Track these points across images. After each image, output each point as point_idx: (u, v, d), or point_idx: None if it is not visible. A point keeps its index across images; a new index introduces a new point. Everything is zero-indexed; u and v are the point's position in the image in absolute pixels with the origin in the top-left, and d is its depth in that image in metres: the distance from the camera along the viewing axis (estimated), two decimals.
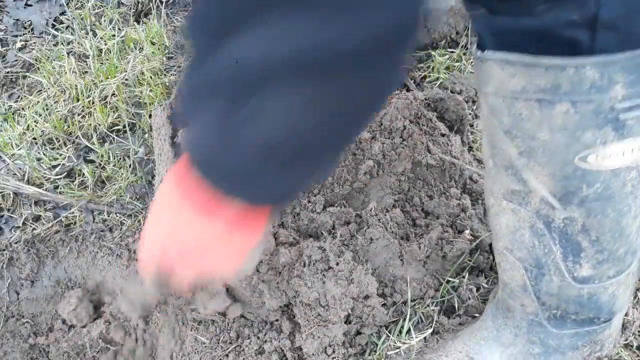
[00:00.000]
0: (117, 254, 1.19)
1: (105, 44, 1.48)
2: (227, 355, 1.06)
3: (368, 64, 0.41)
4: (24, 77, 1.50)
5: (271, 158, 0.47)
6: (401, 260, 1.04)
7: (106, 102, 1.37)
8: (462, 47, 1.46)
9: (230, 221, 0.54)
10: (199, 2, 0.45)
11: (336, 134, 0.48)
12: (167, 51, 1.47)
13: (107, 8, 1.59)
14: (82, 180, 1.29)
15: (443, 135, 1.21)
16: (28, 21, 1.64)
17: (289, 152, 0.47)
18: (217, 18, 0.41)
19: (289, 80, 0.40)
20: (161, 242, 0.58)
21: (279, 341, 1.03)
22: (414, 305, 1.05)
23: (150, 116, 1.27)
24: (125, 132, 1.33)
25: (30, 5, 1.67)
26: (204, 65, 0.44)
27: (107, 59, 1.45)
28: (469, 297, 1.05)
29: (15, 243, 1.19)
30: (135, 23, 1.56)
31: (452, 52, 1.47)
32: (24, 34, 1.62)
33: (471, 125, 1.35)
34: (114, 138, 1.33)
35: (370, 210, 1.08)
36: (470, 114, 1.32)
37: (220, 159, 0.49)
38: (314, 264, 0.99)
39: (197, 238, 0.56)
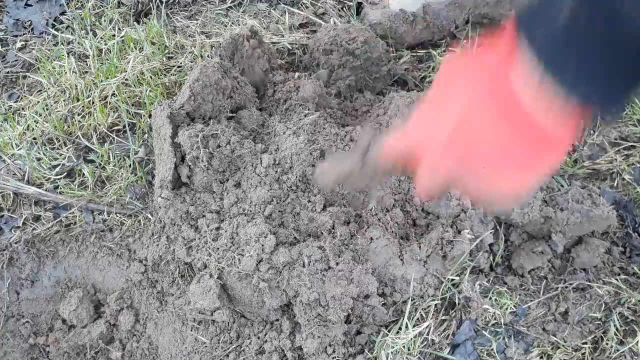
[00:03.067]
0: (117, 254, 1.19)
1: (105, 44, 1.48)
2: (227, 355, 1.06)
3: None
4: (24, 77, 1.50)
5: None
6: (401, 259, 1.03)
7: (106, 102, 1.37)
8: (462, 47, 1.46)
9: (545, 118, 0.46)
10: None
11: None
12: (167, 51, 1.46)
13: (107, 8, 1.59)
14: (82, 180, 1.29)
15: None
16: (28, 21, 1.64)
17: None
18: None
19: None
20: (452, 130, 0.48)
21: (279, 341, 1.03)
22: (414, 303, 1.05)
23: (150, 116, 1.27)
24: (125, 132, 1.33)
25: (30, 5, 1.67)
26: None
27: (107, 59, 1.44)
28: (470, 294, 1.05)
29: (15, 243, 1.19)
30: (135, 23, 1.56)
31: (453, 51, 1.47)
32: (24, 34, 1.62)
33: None
34: (114, 138, 1.33)
35: (371, 210, 1.08)
36: None
37: (561, 48, 0.43)
38: (313, 263, 0.99)
39: (505, 131, 0.47)
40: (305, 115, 1.18)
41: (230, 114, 1.19)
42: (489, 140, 0.49)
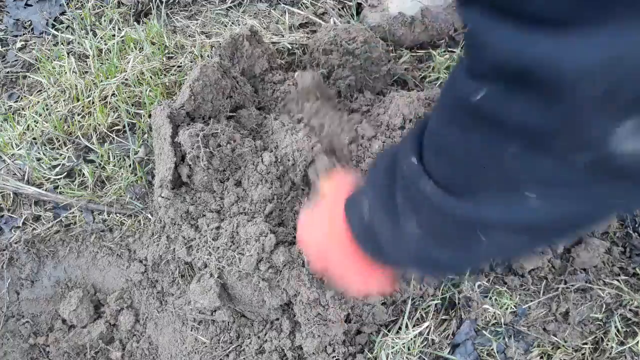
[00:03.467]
0: (117, 254, 1.19)
1: (105, 44, 1.48)
2: (227, 355, 1.06)
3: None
4: (24, 77, 1.50)
5: (434, 266, 0.59)
6: None
7: (106, 102, 1.37)
8: (462, 47, 1.46)
9: (367, 269, 0.67)
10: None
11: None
12: (167, 51, 1.46)
13: (107, 8, 1.59)
14: (82, 180, 1.29)
15: None
16: (28, 21, 1.64)
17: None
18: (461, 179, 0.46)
19: (506, 234, 0.45)
20: (318, 244, 0.73)
21: (279, 340, 1.03)
22: (414, 303, 1.05)
23: (150, 116, 1.27)
24: (125, 132, 1.33)
25: (30, 5, 1.67)
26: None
27: (107, 59, 1.44)
28: (470, 293, 1.05)
29: (15, 243, 1.19)
30: (135, 23, 1.56)
31: (452, 51, 1.47)
32: (24, 34, 1.62)
33: None
34: (114, 138, 1.33)
35: None
36: None
37: (382, 249, 0.59)
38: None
39: (342, 268, 0.70)
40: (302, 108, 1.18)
41: (230, 113, 1.19)
42: (336, 264, 0.71)
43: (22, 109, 1.42)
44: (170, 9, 1.61)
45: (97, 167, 1.30)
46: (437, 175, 0.46)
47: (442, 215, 0.46)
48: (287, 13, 1.56)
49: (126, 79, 1.38)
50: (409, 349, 1.01)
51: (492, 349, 1.03)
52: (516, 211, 0.41)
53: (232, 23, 1.56)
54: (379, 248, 0.59)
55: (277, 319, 1.06)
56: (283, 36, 1.49)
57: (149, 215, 1.22)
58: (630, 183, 0.36)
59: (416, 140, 0.48)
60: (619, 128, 0.32)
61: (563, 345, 1.03)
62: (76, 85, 1.38)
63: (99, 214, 1.24)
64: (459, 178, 0.44)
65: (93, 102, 1.36)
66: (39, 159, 1.30)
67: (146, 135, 1.32)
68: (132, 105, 1.36)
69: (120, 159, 1.30)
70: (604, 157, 0.33)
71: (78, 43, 1.52)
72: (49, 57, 1.51)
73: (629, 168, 0.34)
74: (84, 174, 1.28)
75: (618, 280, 1.11)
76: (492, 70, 0.35)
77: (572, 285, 1.10)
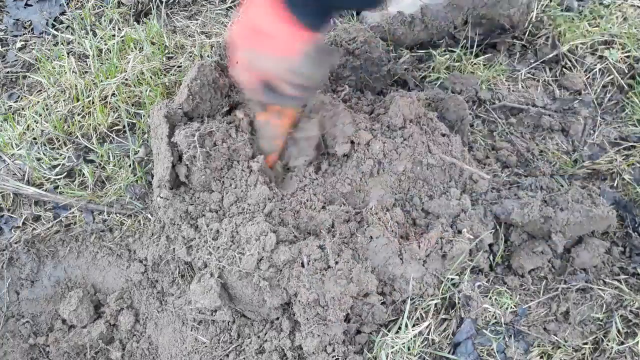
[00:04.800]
0: (117, 254, 1.19)
1: (105, 44, 1.48)
2: (227, 355, 1.06)
3: None
4: (24, 77, 1.50)
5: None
6: (401, 259, 1.03)
7: (106, 102, 1.37)
8: (462, 47, 1.46)
9: (289, 30, 0.86)
10: None
11: None
12: (167, 51, 1.47)
13: (107, 8, 1.59)
14: (82, 180, 1.29)
15: (443, 135, 1.20)
16: (28, 21, 1.64)
17: None
18: None
19: None
20: (247, 25, 0.91)
21: (279, 340, 1.03)
22: (414, 302, 1.05)
23: (150, 116, 1.27)
24: (125, 132, 1.33)
25: (30, 5, 1.67)
26: None
27: (107, 59, 1.44)
28: (470, 293, 1.05)
29: (15, 243, 1.19)
30: (135, 23, 1.56)
31: (453, 51, 1.47)
32: (24, 34, 1.62)
33: (471, 125, 1.35)
34: (113, 138, 1.33)
35: (371, 209, 1.08)
36: (470, 114, 1.32)
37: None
38: (313, 263, 0.99)
39: (262, 19, 0.88)
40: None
41: (228, 109, 1.19)
42: (258, 39, 0.90)
43: (22, 109, 1.42)
44: (170, 9, 1.61)
45: (97, 167, 1.30)
46: None
47: None
48: None
49: (126, 79, 1.38)
50: (409, 349, 1.01)
51: (492, 349, 1.03)
52: None
53: (232, 23, 1.56)
54: None
55: (277, 319, 1.06)
56: None
57: (149, 215, 1.22)
58: None
59: None
60: None
61: (563, 345, 1.03)
62: (76, 85, 1.38)
63: (99, 214, 1.24)
64: None
65: (93, 102, 1.36)
66: (39, 159, 1.30)
67: (146, 135, 1.32)
68: (132, 105, 1.36)
69: (120, 159, 1.30)
70: None
71: (78, 43, 1.52)
72: (48, 57, 1.51)
73: None
74: (84, 174, 1.28)
75: (618, 280, 1.11)
76: None
77: (572, 285, 1.10)
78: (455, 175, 1.17)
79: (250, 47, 0.93)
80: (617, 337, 1.03)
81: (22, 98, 1.45)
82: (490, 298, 1.08)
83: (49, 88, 1.42)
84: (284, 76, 0.94)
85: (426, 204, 1.13)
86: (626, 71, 1.42)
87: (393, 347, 1.00)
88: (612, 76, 1.42)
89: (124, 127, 1.33)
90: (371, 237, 1.04)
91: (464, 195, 1.14)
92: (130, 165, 1.28)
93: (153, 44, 1.46)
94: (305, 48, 0.89)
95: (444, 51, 1.48)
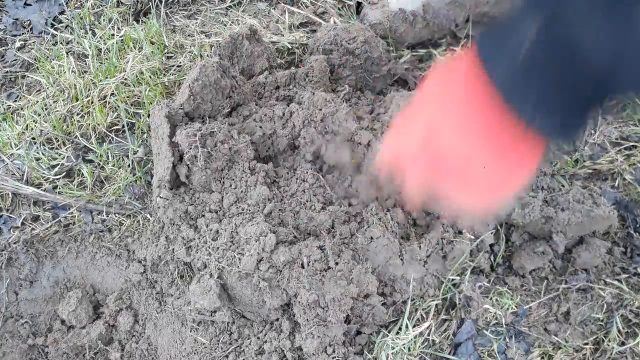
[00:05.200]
0: (116, 254, 1.19)
1: (105, 44, 1.48)
2: (226, 356, 1.05)
3: None
4: (23, 76, 1.50)
5: (574, 91, 0.42)
6: (401, 259, 1.03)
7: (105, 102, 1.36)
8: (462, 46, 1.46)
9: (508, 141, 0.47)
10: None
11: None
12: (166, 51, 1.46)
13: (106, 7, 1.59)
14: (81, 180, 1.28)
15: None
16: (27, 20, 1.63)
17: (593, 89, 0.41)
18: None
19: None
20: (422, 142, 0.50)
21: (279, 341, 1.03)
22: (414, 303, 1.04)
23: (149, 116, 1.26)
24: (124, 131, 1.33)
25: (30, 5, 1.66)
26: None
27: (106, 59, 1.44)
28: (471, 293, 1.05)
29: (14, 243, 1.18)
30: (134, 22, 1.56)
31: (454, 50, 1.46)
32: (23, 34, 1.61)
33: None
34: (113, 138, 1.33)
35: (371, 209, 1.08)
36: None
37: (520, 81, 0.44)
38: (312, 264, 0.99)
39: (468, 148, 0.49)
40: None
41: (229, 110, 1.19)
42: (455, 157, 0.50)
43: (21, 108, 1.42)
44: (170, 8, 1.61)
45: (96, 167, 1.29)
46: None
47: None
48: (286, 12, 1.56)
49: (125, 79, 1.37)
50: (409, 350, 1.00)
51: (493, 350, 1.03)
52: None
53: (232, 22, 1.55)
54: (551, 82, 0.42)
55: (277, 320, 1.06)
56: (283, 35, 1.49)
57: (148, 216, 1.21)
58: None
59: None
60: None
61: (564, 346, 1.03)
62: (75, 85, 1.38)
63: (97, 214, 1.24)
64: None
65: (92, 102, 1.36)
66: (37, 159, 1.30)
67: (145, 135, 1.31)
68: (131, 105, 1.36)
69: (119, 158, 1.29)
70: None
71: (77, 42, 1.51)
72: (48, 57, 1.50)
73: None
74: (82, 174, 1.27)
75: (619, 281, 1.10)
76: None
77: (573, 286, 1.10)
78: None
79: (434, 175, 0.54)
80: (618, 337, 1.03)
81: (21, 98, 1.45)
82: (491, 298, 1.08)
83: (48, 88, 1.42)
84: (475, 214, 0.63)
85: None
86: None
87: (393, 348, 0.99)
88: None
89: (123, 126, 1.32)
90: (371, 238, 1.04)
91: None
92: (129, 165, 1.28)
93: (152, 43, 1.46)
94: (521, 181, 0.51)
95: (445, 50, 1.47)
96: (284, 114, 1.17)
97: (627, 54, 0.39)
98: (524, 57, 0.44)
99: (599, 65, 0.40)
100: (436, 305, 1.05)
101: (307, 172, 1.13)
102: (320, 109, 1.15)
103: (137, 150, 1.28)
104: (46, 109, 1.37)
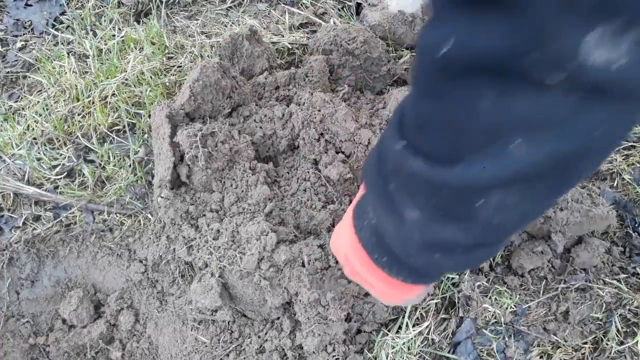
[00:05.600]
0: (117, 254, 1.19)
1: (106, 44, 1.48)
2: (227, 355, 1.06)
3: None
4: (24, 77, 1.50)
5: (444, 252, 0.53)
6: None
7: (106, 102, 1.37)
8: None
9: (391, 285, 0.62)
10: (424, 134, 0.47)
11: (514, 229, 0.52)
12: (167, 51, 1.47)
13: (107, 8, 1.59)
14: (82, 180, 1.29)
15: None
16: (28, 21, 1.64)
17: (468, 247, 0.52)
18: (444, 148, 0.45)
19: (503, 192, 0.43)
20: (343, 252, 0.68)
21: (280, 340, 1.03)
22: None
23: (150, 116, 1.27)
24: (125, 132, 1.33)
25: (31, 5, 1.67)
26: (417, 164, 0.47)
27: (107, 59, 1.44)
28: (470, 292, 1.05)
29: (16, 243, 1.19)
30: (135, 23, 1.56)
31: None
32: (24, 34, 1.62)
33: None
34: (114, 138, 1.33)
35: None
36: None
37: (391, 251, 0.57)
38: (313, 262, 0.99)
39: (366, 277, 0.64)
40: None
41: (230, 110, 1.20)
42: (362, 278, 0.66)
43: (22, 109, 1.42)
44: (170, 9, 1.61)
45: (97, 167, 1.30)
46: (422, 151, 0.45)
47: (436, 188, 0.45)
48: (287, 13, 1.56)
49: (126, 79, 1.38)
50: (409, 349, 1.01)
51: (492, 349, 1.03)
52: (505, 163, 0.40)
53: (232, 23, 1.56)
54: (387, 252, 0.57)
55: (278, 318, 1.06)
56: (283, 36, 1.49)
57: (149, 215, 1.22)
58: (610, 103, 0.35)
59: (397, 126, 0.48)
60: (586, 37, 0.31)
61: (563, 345, 1.03)
62: (76, 85, 1.38)
63: (99, 214, 1.24)
64: (444, 147, 0.43)
65: (93, 102, 1.36)
66: (39, 159, 1.30)
67: (146, 135, 1.32)
68: (132, 105, 1.36)
69: (120, 159, 1.30)
70: (577, 71, 0.32)
71: (78, 43, 1.52)
72: (49, 57, 1.51)
73: (603, 82, 0.33)
74: (84, 174, 1.28)
75: (618, 280, 1.11)
76: (449, 4, 0.36)
77: (572, 285, 1.11)
78: None
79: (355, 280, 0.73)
80: (617, 336, 1.04)
81: (22, 98, 1.45)
82: (490, 298, 1.08)
83: (49, 88, 1.42)
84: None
85: None
86: None
87: (393, 347, 1.00)
88: None
89: (124, 127, 1.33)
90: None
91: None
92: (130, 165, 1.28)
93: (153, 44, 1.46)
94: (406, 298, 0.68)
95: None
96: (283, 115, 1.18)
97: (407, 243, 0.53)
98: (366, 229, 0.59)
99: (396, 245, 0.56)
100: (436, 304, 1.06)
101: (308, 172, 1.14)
102: (319, 110, 1.15)
103: (138, 151, 1.29)
104: (47, 109, 1.38)
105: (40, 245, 1.20)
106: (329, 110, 1.15)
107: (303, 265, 0.99)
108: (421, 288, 0.65)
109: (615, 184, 1.25)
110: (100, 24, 1.56)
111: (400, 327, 1.03)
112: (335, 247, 0.72)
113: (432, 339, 1.03)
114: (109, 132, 1.34)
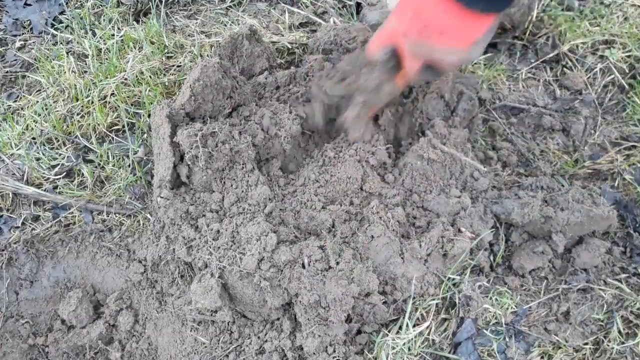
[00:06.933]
0: (117, 254, 1.19)
1: (105, 44, 1.48)
2: (227, 356, 1.05)
3: None
4: (23, 76, 1.50)
5: None
6: (402, 258, 1.03)
7: (105, 102, 1.36)
8: None
9: (465, 19, 0.80)
10: None
11: None
12: (166, 51, 1.46)
13: (106, 7, 1.59)
14: (81, 180, 1.28)
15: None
16: (27, 20, 1.63)
17: None
18: None
19: None
20: (410, 18, 0.86)
21: (280, 340, 1.03)
22: (415, 302, 1.05)
23: (149, 116, 1.26)
24: (124, 131, 1.33)
25: (30, 5, 1.66)
26: None
27: (107, 59, 1.44)
28: (471, 293, 1.05)
29: (15, 243, 1.18)
30: (134, 22, 1.56)
31: None
32: (23, 34, 1.62)
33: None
34: (113, 138, 1.33)
35: (372, 207, 1.08)
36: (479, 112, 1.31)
37: None
38: (313, 263, 0.99)
39: (439, 20, 0.82)
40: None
41: (230, 110, 1.19)
42: (433, 25, 0.84)
43: (21, 108, 1.42)
44: (170, 8, 1.61)
45: (96, 167, 1.29)
46: None
47: None
48: (286, 12, 1.56)
49: (125, 79, 1.38)
50: (409, 349, 1.00)
51: (493, 349, 1.03)
52: None
53: (232, 22, 1.55)
54: None
55: (278, 319, 1.06)
56: (283, 35, 1.49)
57: (149, 216, 1.21)
58: None
59: None
60: None
61: (564, 345, 1.03)
62: (75, 85, 1.38)
63: (98, 214, 1.24)
64: None
65: (92, 102, 1.36)
66: (38, 159, 1.30)
67: (145, 135, 1.32)
68: (132, 104, 1.36)
69: (119, 158, 1.29)
70: None
71: (77, 42, 1.51)
72: (48, 57, 1.50)
73: None
74: (83, 174, 1.28)
75: (619, 280, 1.10)
76: None
77: (572, 286, 1.10)
78: (456, 172, 1.17)
79: (420, 41, 0.88)
80: (618, 337, 1.03)
81: (21, 98, 1.45)
82: (490, 298, 1.08)
83: (48, 88, 1.42)
84: (452, 63, 0.94)
85: (427, 202, 1.13)
86: (627, 71, 1.42)
87: (394, 348, 0.99)
88: (612, 76, 1.42)
89: (124, 126, 1.32)
90: (372, 236, 1.04)
91: (464, 193, 1.14)
92: (129, 165, 1.28)
93: (152, 43, 1.46)
94: (477, 37, 0.85)
95: None
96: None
97: None
98: None
99: None
100: (436, 304, 1.06)
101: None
102: None
103: (138, 150, 1.28)
104: (46, 109, 1.38)
105: (39, 246, 1.19)
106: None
107: (303, 266, 0.99)
108: (491, 21, 0.80)
109: (616, 184, 1.25)
110: (100, 23, 1.55)
111: (400, 328, 1.02)
112: (388, 28, 0.90)
113: (433, 340, 1.03)
114: (108, 132, 1.33)
